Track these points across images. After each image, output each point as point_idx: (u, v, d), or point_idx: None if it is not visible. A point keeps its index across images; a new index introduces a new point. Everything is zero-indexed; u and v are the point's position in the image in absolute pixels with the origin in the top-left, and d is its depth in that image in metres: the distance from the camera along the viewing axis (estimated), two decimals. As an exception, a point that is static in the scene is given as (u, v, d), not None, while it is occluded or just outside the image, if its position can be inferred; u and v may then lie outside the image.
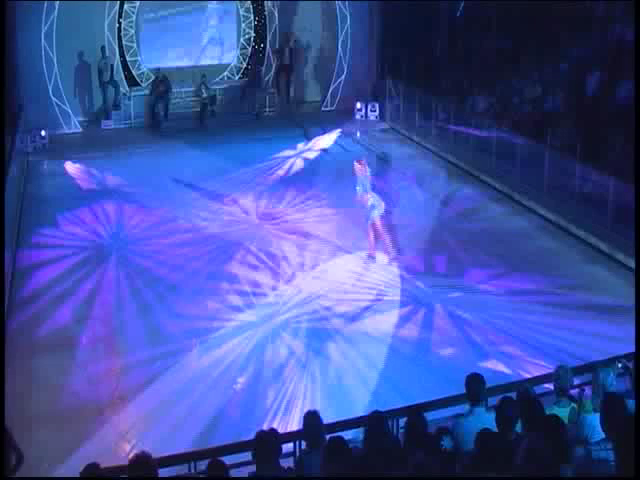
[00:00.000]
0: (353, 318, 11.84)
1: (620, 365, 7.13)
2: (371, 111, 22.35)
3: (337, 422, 7.24)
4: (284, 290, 12.77)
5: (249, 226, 15.38)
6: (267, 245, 14.45)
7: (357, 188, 13.39)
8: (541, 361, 10.26)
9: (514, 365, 10.39)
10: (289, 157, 19.40)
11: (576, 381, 7.20)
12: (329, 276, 13.24)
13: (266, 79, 23.19)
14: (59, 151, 19.55)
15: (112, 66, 21.37)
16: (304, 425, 6.26)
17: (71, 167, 18.85)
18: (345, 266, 13.57)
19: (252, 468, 5.90)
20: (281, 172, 18.28)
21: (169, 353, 10.97)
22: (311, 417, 6.26)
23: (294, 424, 9.05)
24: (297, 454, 6.89)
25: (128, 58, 21.97)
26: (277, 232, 15.05)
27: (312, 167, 18.76)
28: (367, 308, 12.15)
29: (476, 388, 6.48)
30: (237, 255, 14.06)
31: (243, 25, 23.12)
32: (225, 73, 23.19)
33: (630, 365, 7.42)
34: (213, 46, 22.94)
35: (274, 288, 12.83)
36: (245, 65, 23.29)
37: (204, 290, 12.78)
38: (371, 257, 13.67)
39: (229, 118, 21.83)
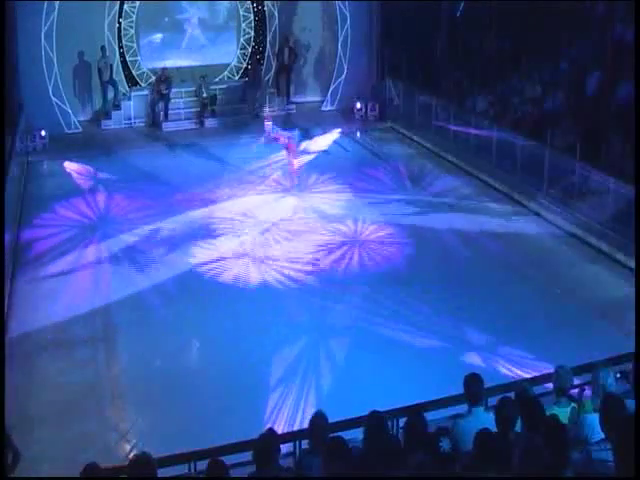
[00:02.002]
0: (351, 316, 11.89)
1: (619, 375, 7.10)
2: (371, 111, 22.34)
3: (337, 422, 7.23)
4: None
5: (245, 220, 15.70)
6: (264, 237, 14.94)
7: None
8: (541, 361, 10.26)
9: (514, 365, 10.40)
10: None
11: (576, 381, 7.19)
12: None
13: (266, 79, 23.20)
14: (59, 151, 19.55)
15: (112, 66, 21.37)
16: (311, 425, 6.18)
17: (71, 167, 18.87)
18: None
19: (252, 468, 5.90)
20: (280, 172, 18.23)
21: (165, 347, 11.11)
22: (319, 418, 6.21)
23: (292, 423, 9.09)
24: (297, 454, 6.89)
25: (128, 58, 21.98)
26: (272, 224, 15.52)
27: (312, 167, 18.74)
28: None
29: (475, 388, 6.47)
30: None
31: (243, 25, 23.13)
32: (225, 73, 23.19)
33: (630, 367, 7.38)
34: (213, 46, 22.96)
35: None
36: (245, 65, 23.29)
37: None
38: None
39: (229, 118, 21.84)
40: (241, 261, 13.89)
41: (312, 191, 17.11)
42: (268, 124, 17.85)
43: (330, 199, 16.72)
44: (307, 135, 18.96)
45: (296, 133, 17.63)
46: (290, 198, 16.78)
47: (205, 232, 15.13)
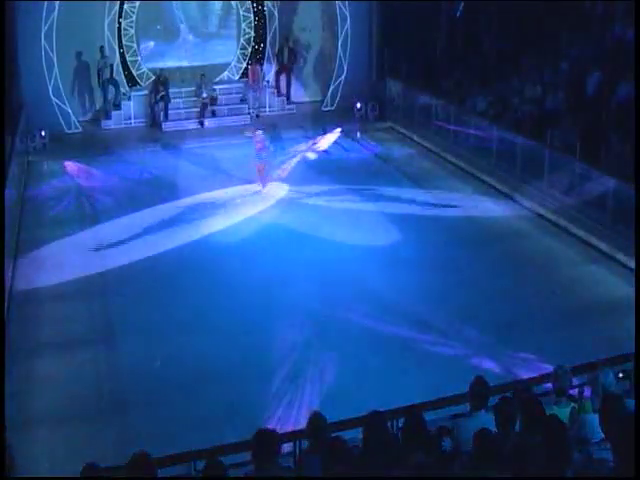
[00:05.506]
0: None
1: (620, 375, 7.10)
2: (371, 111, 22.34)
3: (337, 422, 7.23)
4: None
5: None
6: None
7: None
8: (541, 361, 10.26)
9: (513, 365, 10.40)
10: (289, 157, 19.40)
11: (576, 381, 7.19)
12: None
13: (266, 79, 23.20)
14: (59, 151, 19.56)
15: (112, 65, 21.35)
16: (309, 426, 6.19)
17: (71, 167, 18.88)
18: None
19: (251, 468, 5.89)
20: (280, 172, 18.24)
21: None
22: (316, 419, 6.21)
23: (292, 423, 9.09)
24: (297, 454, 6.89)
25: (128, 58, 21.98)
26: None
27: (312, 167, 18.75)
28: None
29: (480, 392, 6.44)
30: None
31: (243, 25, 23.12)
32: (225, 73, 23.20)
33: (630, 367, 7.38)
34: (213, 46, 22.97)
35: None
36: (245, 65, 23.30)
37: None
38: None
39: (229, 118, 21.83)
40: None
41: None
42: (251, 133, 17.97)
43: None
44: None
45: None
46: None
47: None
